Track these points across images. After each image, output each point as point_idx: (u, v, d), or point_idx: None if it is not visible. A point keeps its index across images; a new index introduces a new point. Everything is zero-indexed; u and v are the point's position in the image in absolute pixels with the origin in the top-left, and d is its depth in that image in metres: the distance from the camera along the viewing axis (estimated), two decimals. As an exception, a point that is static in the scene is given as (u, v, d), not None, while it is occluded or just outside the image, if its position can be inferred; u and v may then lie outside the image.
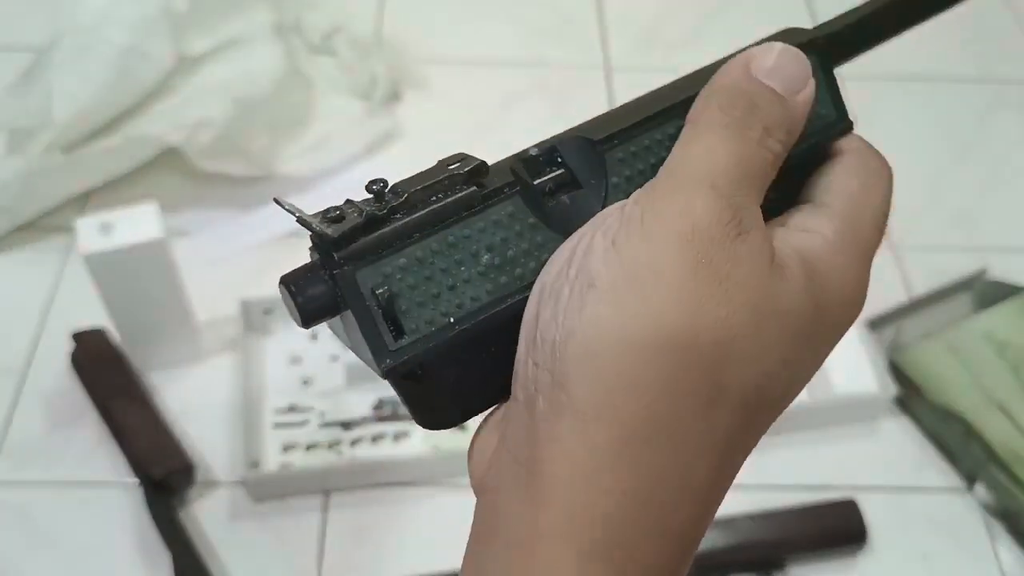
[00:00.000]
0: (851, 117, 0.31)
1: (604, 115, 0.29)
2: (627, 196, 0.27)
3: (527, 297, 0.26)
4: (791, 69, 0.28)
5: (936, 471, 0.84)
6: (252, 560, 0.77)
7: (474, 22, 1.23)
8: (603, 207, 0.27)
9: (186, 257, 0.88)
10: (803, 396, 0.87)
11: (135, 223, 0.77)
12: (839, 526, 0.78)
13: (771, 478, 0.82)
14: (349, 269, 0.25)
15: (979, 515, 0.82)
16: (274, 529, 0.79)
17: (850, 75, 1.30)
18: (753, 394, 0.26)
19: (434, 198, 0.26)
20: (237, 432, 0.82)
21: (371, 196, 0.26)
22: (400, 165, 1.20)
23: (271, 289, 0.98)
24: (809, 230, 0.28)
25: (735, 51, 0.29)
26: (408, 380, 0.26)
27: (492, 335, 0.26)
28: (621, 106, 0.29)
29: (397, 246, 0.25)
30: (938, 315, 0.92)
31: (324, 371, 0.87)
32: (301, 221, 0.25)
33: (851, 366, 0.85)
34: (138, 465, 0.79)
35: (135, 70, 0.98)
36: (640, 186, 0.27)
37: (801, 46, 0.29)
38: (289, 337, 0.89)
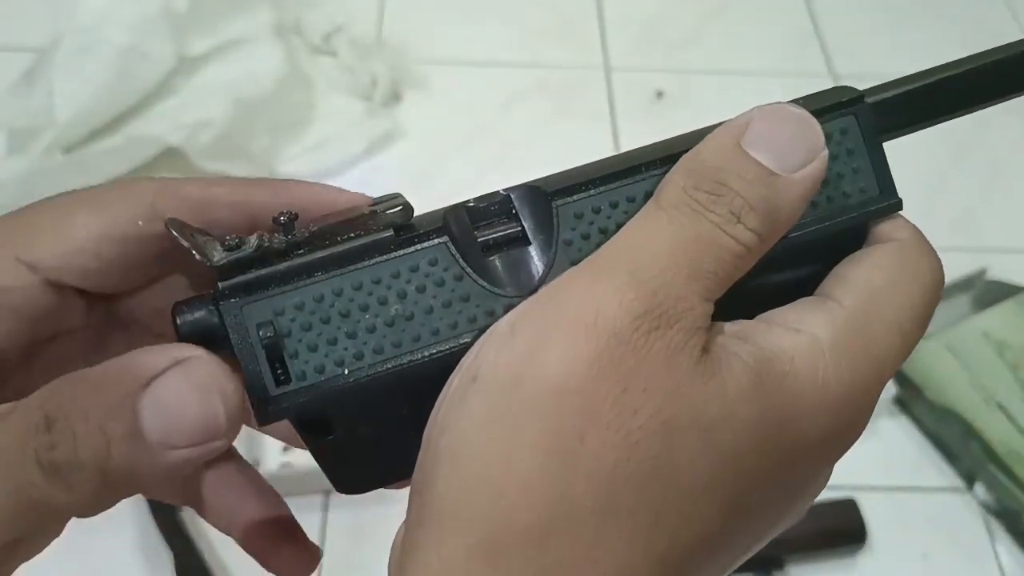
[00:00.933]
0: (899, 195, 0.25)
1: (568, 170, 0.26)
2: (576, 261, 0.23)
3: (440, 357, 0.23)
4: (792, 137, 0.23)
5: (935, 471, 0.84)
6: (253, 559, 0.77)
7: (474, 22, 1.23)
8: (549, 268, 0.24)
9: (187, 257, 0.88)
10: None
11: (136, 223, 0.77)
12: (838, 526, 0.78)
13: (771, 478, 0.82)
14: (234, 301, 0.23)
15: (979, 515, 0.82)
16: (275, 529, 0.79)
17: (849, 75, 1.31)
18: (667, 531, 0.21)
19: (345, 237, 0.23)
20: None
21: (277, 227, 0.24)
22: (400, 165, 1.21)
23: (272, 289, 0.98)
24: (798, 329, 0.23)
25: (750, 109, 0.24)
26: (309, 433, 0.24)
27: (402, 392, 0.23)
28: (593, 162, 0.26)
29: (294, 283, 0.23)
30: (937, 315, 0.92)
31: (324, 371, 0.87)
32: (192, 244, 0.23)
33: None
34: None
35: (136, 70, 0.98)
36: (596, 247, 0.23)
37: (840, 105, 0.25)
38: (289, 337, 0.89)
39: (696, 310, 0.21)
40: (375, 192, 1.01)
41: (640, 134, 1.11)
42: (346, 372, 0.23)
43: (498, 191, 0.25)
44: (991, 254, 0.98)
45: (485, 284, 0.23)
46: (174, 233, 0.23)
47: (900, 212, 0.26)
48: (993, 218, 1.05)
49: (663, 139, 0.26)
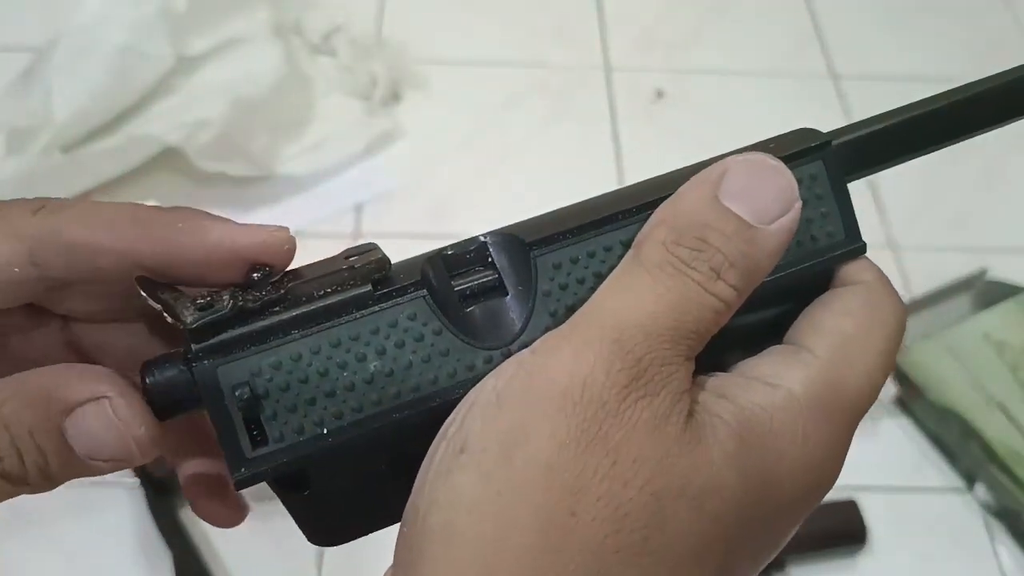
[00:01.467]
0: (864, 239, 0.26)
1: (545, 215, 0.25)
2: (555, 311, 0.23)
3: (421, 412, 0.23)
4: (768, 191, 0.23)
5: (936, 471, 0.84)
6: (253, 560, 0.77)
7: (474, 22, 1.23)
8: (528, 320, 0.23)
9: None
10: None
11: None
12: (839, 526, 0.78)
13: (771, 478, 0.82)
14: (209, 363, 0.22)
15: (979, 515, 0.82)
16: (274, 529, 0.79)
17: (849, 75, 1.31)
18: None
19: (322, 293, 0.23)
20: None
21: (252, 284, 0.23)
22: (400, 165, 1.21)
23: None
24: (773, 383, 0.23)
25: (718, 156, 0.24)
26: (285, 489, 0.24)
27: (382, 449, 0.23)
28: (569, 206, 0.26)
29: (270, 343, 0.22)
30: (937, 315, 0.92)
31: (324, 371, 0.87)
32: (163, 306, 0.23)
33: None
34: (139, 465, 0.79)
35: (134, 70, 0.98)
36: (575, 297, 0.23)
37: (809, 151, 0.25)
38: (289, 337, 0.89)
39: (680, 373, 0.22)
40: (375, 192, 1.01)
41: (640, 134, 1.11)
42: (325, 432, 0.22)
43: (476, 237, 0.24)
44: (991, 254, 0.98)
45: (465, 338, 0.23)
46: (143, 294, 0.23)
47: (865, 253, 0.26)
48: (992, 218, 1.05)
49: (636, 183, 0.26)
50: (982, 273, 0.94)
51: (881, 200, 1.05)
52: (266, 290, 0.23)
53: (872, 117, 0.27)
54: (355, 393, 0.22)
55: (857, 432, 0.94)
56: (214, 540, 0.77)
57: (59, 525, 0.78)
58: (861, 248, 0.26)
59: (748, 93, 1.17)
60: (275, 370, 0.22)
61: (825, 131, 0.27)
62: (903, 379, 0.86)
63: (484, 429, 0.21)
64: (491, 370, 0.22)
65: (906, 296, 0.95)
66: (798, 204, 0.23)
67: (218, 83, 1.02)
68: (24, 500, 0.87)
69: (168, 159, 0.98)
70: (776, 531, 0.24)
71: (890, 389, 0.85)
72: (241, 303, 0.22)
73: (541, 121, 1.12)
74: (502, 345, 0.23)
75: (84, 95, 0.95)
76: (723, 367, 0.25)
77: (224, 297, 0.22)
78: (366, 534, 0.25)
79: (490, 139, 1.10)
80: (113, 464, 0.23)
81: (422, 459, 0.22)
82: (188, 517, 0.77)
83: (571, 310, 0.23)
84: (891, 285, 0.26)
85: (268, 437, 0.22)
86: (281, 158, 1.03)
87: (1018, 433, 0.82)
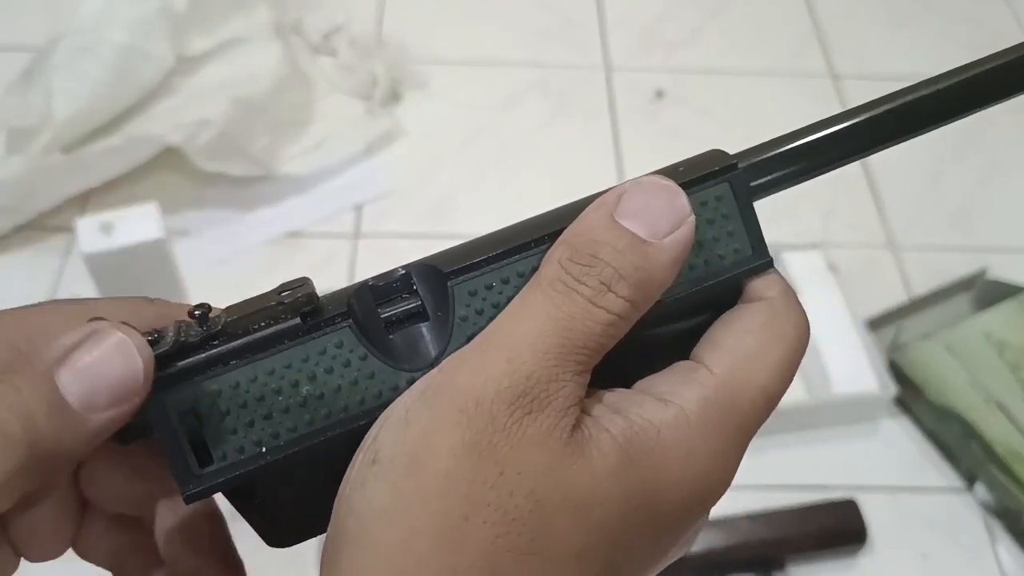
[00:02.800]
0: (771, 254, 0.27)
1: (465, 243, 0.27)
2: (472, 335, 0.25)
3: (351, 431, 0.25)
4: (660, 206, 0.24)
5: (936, 471, 0.84)
6: (253, 560, 0.77)
7: (474, 22, 1.23)
8: (446, 344, 0.25)
9: (186, 257, 0.88)
10: (802, 396, 0.87)
11: (135, 223, 0.77)
12: (839, 526, 0.78)
13: (770, 478, 0.82)
14: (157, 394, 0.25)
15: (979, 515, 0.82)
16: (274, 529, 0.79)
17: (850, 75, 1.31)
18: None
19: (256, 326, 0.25)
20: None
21: (193, 320, 0.25)
22: (400, 165, 1.21)
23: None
24: (667, 399, 0.25)
25: (625, 181, 0.26)
26: (236, 499, 0.26)
27: (318, 463, 0.25)
28: (487, 234, 0.27)
29: (211, 373, 0.25)
30: (938, 315, 0.92)
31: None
32: None
33: (851, 366, 0.85)
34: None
35: (135, 70, 0.98)
36: (489, 321, 0.25)
37: (715, 173, 0.27)
38: (289, 337, 0.90)
39: (567, 389, 0.23)
40: (375, 191, 1.01)
41: (640, 134, 1.11)
42: (264, 451, 0.25)
43: (398, 268, 0.26)
44: (991, 254, 0.98)
45: (389, 361, 0.25)
46: None
47: (772, 269, 0.27)
48: (992, 218, 1.05)
49: (553, 209, 0.27)
50: (982, 273, 0.94)
51: (881, 200, 1.05)
52: (206, 324, 0.25)
53: (778, 138, 0.28)
54: (290, 415, 0.25)
55: (857, 432, 0.94)
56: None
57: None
58: (767, 263, 0.27)
59: (748, 93, 1.17)
60: (216, 397, 0.25)
61: (733, 152, 0.28)
62: (903, 379, 0.86)
63: (394, 443, 0.23)
64: None
65: (906, 296, 0.95)
66: (691, 218, 0.24)
67: (218, 83, 1.02)
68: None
69: (168, 159, 0.98)
70: (663, 538, 0.25)
71: (891, 389, 0.85)
72: (183, 339, 0.25)
73: (541, 121, 1.12)
74: (423, 367, 0.25)
75: (85, 95, 0.95)
76: (631, 380, 0.26)
77: (168, 333, 0.25)
78: (316, 535, 0.27)
79: (490, 139, 1.10)
80: (112, 411, 0.24)
81: None
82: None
83: None
84: (795, 300, 0.27)
85: (212, 457, 0.25)
86: (281, 158, 1.03)
87: (1018, 433, 0.82)
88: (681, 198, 0.25)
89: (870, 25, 1.27)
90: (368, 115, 1.09)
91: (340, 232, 0.99)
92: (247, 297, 0.26)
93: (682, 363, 0.26)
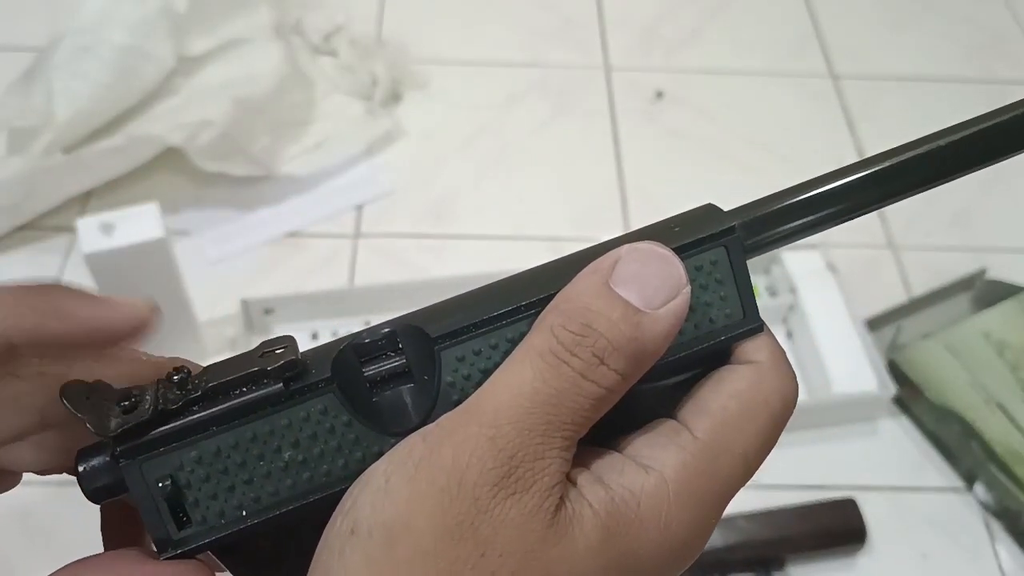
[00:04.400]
0: (761, 318, 0.27)
1: (455, 299, 0.27)
2: (459, 399, 0.25)
3: (332, 495, 0.25)
4: (656, 275, 0.24)
5: (935, 470, 0.85)
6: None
7: (474, 23, 1.23)
8: (430, 411, 0.25)
9: (187, 257, 0.88)
10: (802, 396, 0.87)
11: (136, 223, 0.77)
12: (838, 525, 0.79)
13: (770, 478, 0.82)
14: (135, 461, 0.24)
15: (978, 514, 0.82)
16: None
17: (850, 75, 1.30)
18: None
19: (237, 392, 0.25)
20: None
21: (171, 383, 0.25)
22: (400, 165, 1.21)
23: (271, 289, 0.98)
24: (648, 465, 0.24)
25: (617, 237, 0.25)
26: (219, 554, 0.26)
27: (300, 523, 0.25)
28: (478, 290, 0.27)
29: (191, 439, 0.24)
30: (937, 315, 0.92)
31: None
32: (86, 417, 0.24)
33: (850, 366, 0.86)
34: None
35: (136, 70, 0.98)
36: (476, 387, 0.24)
37: (711, 237, 0.26)
38: (289, 337, 0.90)
39: (552, 467, 0.23)
40: (376, 191, 1.01)
41: (640, 134, 1.11)
42: (244, 514, 0.25)
43: (384, 326, 0.26)
44: (991, 254, 0.98)
45: (372, 427, 0.25)
46: (67, 405, 0.24)
47: (762, 332, 0.27)
48: (992, 218, 1.05)
49: (546, 263, 0.27)
50: (982, 273, 0.94)
51: (881, 200, 1.05)
52: (186, 388, 0.25)
53: (774, 194, 0.28)
54: (271, 480, 0.25)
55: (857, 432, 0.94)
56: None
57: (60, 525, 0.78)
58: (758, 328, 0.27)
59: (748, 93, 1.17)
60: (196, 463, 0.25)
61: (727, 210, 0.27)
62: (903, 379, 0.87)
63: (372, 515, 0.23)
64: None
65: (905, 296, 0.95)
66: (686, 289, 0.24)
67: (219, 83, 1.02)
68: (23, 500, 0.88)
69: (169, 159, 0.98)
70: None
71: (890, 389, 0.85)
72: (162, 405, 0.24)
73: (541, 121, 1.12)
74: (407, 431, 0.25)
75: (86, 95, 0.95)
76: (617, 435, 0.26)
77: (147, 397, 0.25)
78: None
79: (490, 139, 1.10)
80: None
81: None
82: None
83: None
84: (784, 365, 0.26)
85: (192, 520, 0.25)
86: (282, 158, 1.03)
87: (1017, 433, 0.82)
88: (677, 267, 0.24)
89: (870, 25, 1.27)
90: (368, 115, 1.09)
91: (340, 232, 0.99)
92: (228, 357, 0.26)
93: (666, 423, 0.26)
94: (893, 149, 0.28)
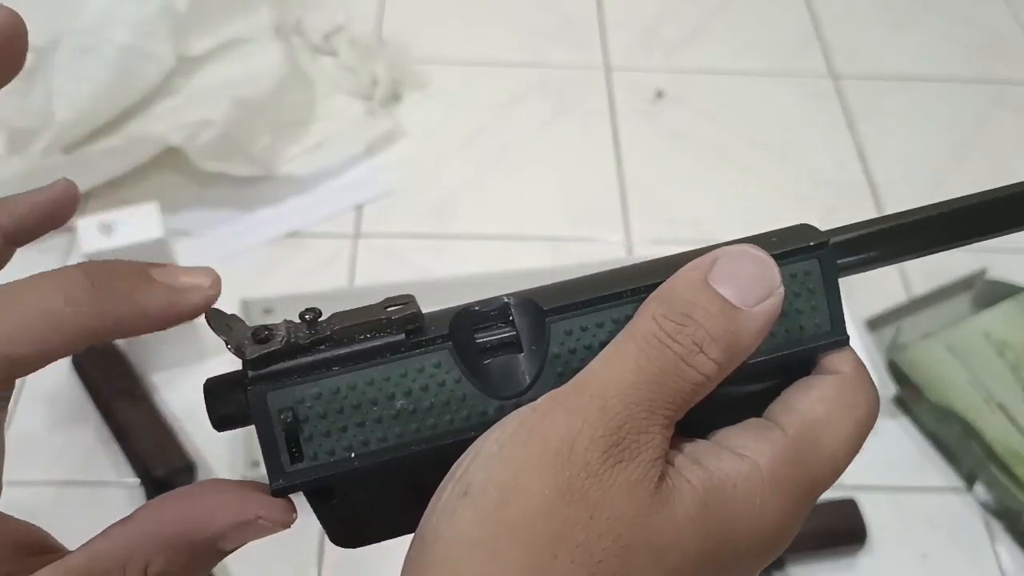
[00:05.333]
0: (848, 332, 0.28)
1: (563, 283, 0.28)
2: (563, 372, 0.26)
3: (436, 448, 0.26)
4: (752, 276, 0.26)
5: (935, 471, 0.85)
6: (253, 559, 0.77)
7: (474, 23, 1.23)
8: (537, 377, 0.27)
9: (187, 257, 0.88)
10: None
11: (136, 223, 0.77)
12: (839, 525, 0.79)
13: (771, 478, 0.82)
14: (260, 388, 0.26)
15: (978, 514, 0.82)
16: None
17: (850, 75, 1.30)
18: None
19: (362, 337, 0.26)
20: (237, 432, 0.82)
21: (302, 323, 0.26)
22: (401, 165, 1.21)
23: (272, 289, 0.98)
24: (742, 453, 0.26)
25: (723, 243, 0.27)
26: (314, 497, 0.27)
27: (400, 474, 0.26)
28: (585, 276, 0.28)
29: (314, 376, 0.26)
30: (937, 315, 0.92)
31: (325, 371, 0.88)
32: (227, 338, 0.26)
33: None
34: (140, 464, 0.79)
35: (136, 70, 0.98)
36: (581, 362, 0.26)
37: (807, 249, 0.28)
38: (290, 337, 0.90)
39: (655, 441, 0.25)
40: (376, 191, 1.01)
41: (640, 134, 1.11)
42: (352, 456, 0.26)
43: (501, 297, 0.27)
44: (991, 254, 0.98)
45: (480, 387, 0.27)
46: (211, 326, 0.26)
47: (848, 346, 0.28)
48: (993, 218, 1.05)
49: (650, 259, 0.28)
50: (982, 273, 0.94)
51: (881, 200, 1.05)
52: (315, 328, 0.26)
53: (869, 220, 0.30)
54: (382, 425, 0.26)
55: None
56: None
57: (60, 525, 0.78)
58: (844, 341, 0.28)
59: (748, 93, 1.17)
60: (316, 400, 0.26)
61: (824, 230, 0.29)
62: (903, 379, 0.87)
63: (487, 477, 0.24)
64: (499, 418, 0.26)
65: (906, 296, 0.95)
66: (780, 291, 0.26)
67: (219, 83, 1.02)
68: (25, 499, 0.88)
69: (170, 159, 0.98)
70: None
71: (891, 389, 0.85)
72: (292, 340, 0.26)
73: (542, 121, 1.12)
74: (512, 396, 0.26)
75: (86, 95, 0.95)
76: (707, 431, 0.27)
77: (279, 332, 0.26)
78: (380, 541, 0.28)
79: (490, 139, 1.10)
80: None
81: (433, 487, 0.25)
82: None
83: (575, 372, 0.26)
84: (868, 378, 0.28)
85: (304, 455, 0.26)
86: (282, 158, 1.03)
87: (1018, 433, 0.82)
88: (773, 270, 0.26)
89: (870, 25, 1.27)
90: (369, 115, 1.09)
91: (341, 232, 0.99)
92: (353, 308, 0.27)
93: (757, 420, 0.27)
94: (989, 190, 0.30)
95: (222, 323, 0.27)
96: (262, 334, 0.26)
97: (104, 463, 0.81)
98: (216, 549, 0.26)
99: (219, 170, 0.97)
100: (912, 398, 0.86)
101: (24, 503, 0.82)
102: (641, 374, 0.25)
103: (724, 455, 0.26)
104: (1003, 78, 1.20)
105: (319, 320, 0.26)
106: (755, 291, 0.25)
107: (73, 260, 0.98)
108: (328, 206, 1.01)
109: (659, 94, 1.16)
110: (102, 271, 0.27)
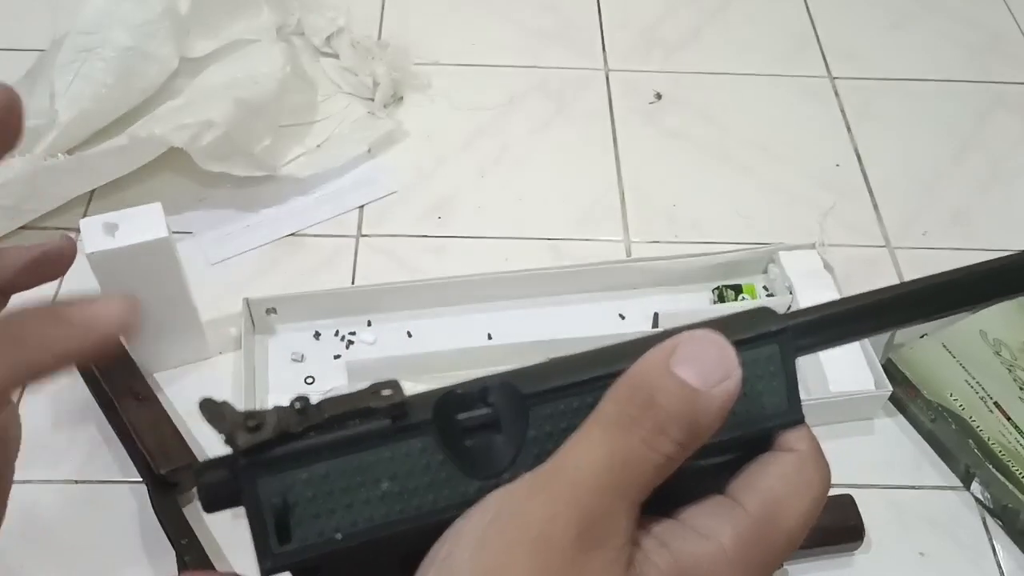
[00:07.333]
0: (803, 412, 0.30)
1: (543, 364, 0.30)
2: (539, 453, 0.28)
3: (420, 528, 0.27)
4: (712, 359, 0.27)
5: (932, 469, 0.85)
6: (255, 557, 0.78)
7: (475, 24, 1.24)
8: (515, 459, 0.28)
9: (190, 257, 0.88)
10: (800, 394, 0.88)
11: (139, 223, 0.77)
12: (836, 523, 0.79)
13: (769, 476, 0.82)
14: (251, 474, 0.27)
15: (976, 513, 0.83)
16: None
17: (850, 75, 1.31)
18: None
19: (350, 423, 0.28)
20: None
21: (292, 410, 0.27)
22: (402, 166, 1.21)
23: (274, 288, 0.98)
24: (706, 535, 0.27)
25: (680, 328, 0.29)
26: (301, 574, 0.28)
27: (384, 551, 0.28)
28: (563, 358, 0.30)
29: (304, 462, 0.27)
30: (935, 314, 0.93)
31: (326, 370, 0.88)
32: (220, 429, 0.27)
33: (847, 365, 0.86)
34: (143, 463, 0.79)
35: (138, 71, 0.99)
36: (556, 444, 0.27)
37: (768, 335, 0.30)
38: (292, 336, 0.90)
39: (624, 524, 0.26)
40: (377, 192, 1.02)
41: (639, 135, 1.12)
42: (340, 537, 0.27)
43: (482, 381, 0.29)
44: (989, 253, 0.98)
45: (463, 469, 0.28)
46: (205, 418, 0.27)
47: (803, 424, 0.30)
48: (990, 218, 1.06)
49: (625, 342, 0.30)
50: None
51: (879, 199, 1.06)
52: (305, 415, 0.27)
53: (825, 304, 0.32)
54: (369, 507, 0.27)
55: (854, 431, 0.94)
56: (218, 536, 0.78)
57: (63, 524, 0.78)
58: (800, 420, 0.30)
59: (747, 94, 1.17)
60: (305, 484, 0.27)
61: (781, 313, 0.31)
62: (900, 377, 0.87)
63: (470, 564, 0.25)
64: (480, 498, 0.27)
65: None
66: (738, 372, 0.27)
67: (222, 84, 1.02)
68: (27, 495, 0.89)
69: (172, 159, 0.99)
70: None
71: (887, 387, 0.85)
72: (283, 428, 0.27)
73: (541, 122, 1.13)
74: (493, 476, 0.28)
75: (88, 96, 0.96)
76: (672, 505, 0.29)
77: (270, 420, 0.27)
78: None
79: (491, 140, 1.10)
80: None
81: (416, 561, 0.27)
82: (191, 513, 0.78)
83: (551, 454, 0.28)
84: (822, 455, 0.30)
85: (292, 537, 0.27)
86: (284, 159, 1.03)
87: (1015, 431, 0.83)
88: (730, 352, 0.27)
89: (869, 26, 1.27)
90: (370, 116, 1.10)
91: (342, 232, 0.99)
92: (341, 395, 0.29)
93: (720, 498, 0.29)
94: (935, 275, 0.33)
95: (215, 412, 0.28)
96: (253, 422, 0.27)
97: (107, 462, 0.82)
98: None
99: (221, 171, 0.98)
100: (909, 397, 0.87)
101: (27, 502, 0.82)
102: (608, 458, 0.26)
103: (689, 536, 0.27)
104: (1002, 79, 1.21)
105: (309, 407, 0.28)
106: (714, 374, 0.27)
107: (76, 260, 0.98)
108: (330, 206, 1.01)
109: (658, 95, 1.16)
110: (8, 325, 0.28)
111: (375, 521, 0.27)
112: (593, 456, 0.26)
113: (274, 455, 0.27)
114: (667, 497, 0.28)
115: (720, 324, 0.29)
